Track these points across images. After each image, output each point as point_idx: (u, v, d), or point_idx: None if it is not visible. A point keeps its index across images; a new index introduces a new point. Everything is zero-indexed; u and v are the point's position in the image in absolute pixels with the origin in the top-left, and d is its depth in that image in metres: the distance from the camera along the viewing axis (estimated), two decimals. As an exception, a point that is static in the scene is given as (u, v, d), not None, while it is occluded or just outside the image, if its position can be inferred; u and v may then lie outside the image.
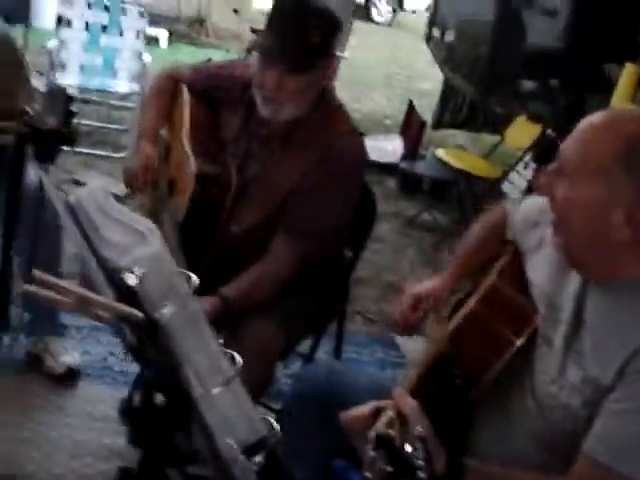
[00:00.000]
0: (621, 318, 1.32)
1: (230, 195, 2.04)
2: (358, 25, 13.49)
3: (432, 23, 6.63)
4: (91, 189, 1.00)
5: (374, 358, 3.26)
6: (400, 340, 3.26)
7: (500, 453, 1.44)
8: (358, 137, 2.09)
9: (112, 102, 5.37)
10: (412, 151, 5.81)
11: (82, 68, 5.16)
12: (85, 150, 4.76)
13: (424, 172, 5.37)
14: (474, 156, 5.42)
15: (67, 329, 2.86)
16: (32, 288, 0.89)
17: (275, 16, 1.96)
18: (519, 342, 1.48)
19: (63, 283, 0.88)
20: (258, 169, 2.05)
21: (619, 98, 3.26)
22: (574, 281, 1.43)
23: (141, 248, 0.86)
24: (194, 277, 0.89)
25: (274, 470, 0.99)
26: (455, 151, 5.39)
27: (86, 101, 5.50)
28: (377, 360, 3.25)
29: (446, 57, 6.19)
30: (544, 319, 1.48)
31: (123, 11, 5.21)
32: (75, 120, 1.82)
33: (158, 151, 2.24)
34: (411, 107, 6.27)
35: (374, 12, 15.14)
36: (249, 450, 0.95)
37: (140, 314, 0.82)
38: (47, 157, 1.70)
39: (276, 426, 0.99)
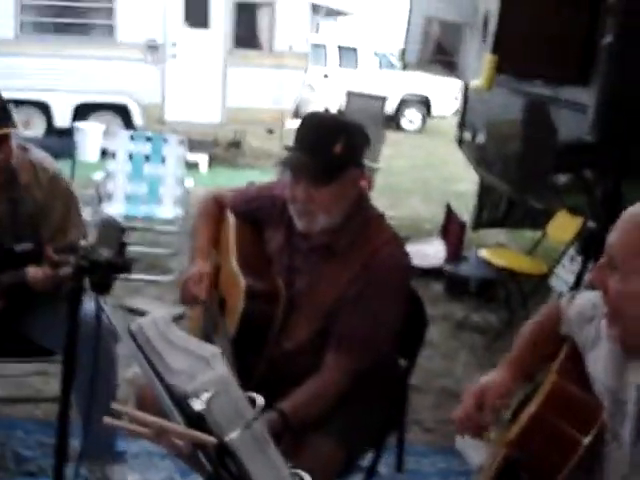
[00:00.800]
0: None
1: (280, 310, 2.06)
2: (390, 135, 13.88)
3: (462, 126, 6.78)
4: (153, 317, 1.03)
5: (436, 468, 3.18)
6: (461, 447, 3.17)
7: None
8: (400, 244, 2.11)
9: (158, 228, 5.53)
10: (455, 253, 5.84)
11: (128, 197, 5.36)
12: (133, 276, 4.85)
13: (469, 273, 5.38)
14: (518, 253, 5.41)
15: (125, 456, 2.85)
16: (113, 421, 0.91)
17: (300, 132, 2.03)
18: (587, 441, 1.44)
19: (140, 414, 0.90)
20: (304, 283, 2.08)
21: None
22: (636, 373, 1.41)
23: (206, 373, 0.88)
24: (260, 399, 0.90)
25: None
26: (499, 250, 5.39)
27: (132, 228, 5.67)
28: (439, 470, 3.17)
29: (479, 158, 6.29)
30: (610, 414, 1.45)
31: (164, 140, 5.44)
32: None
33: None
34: (449, 210, 6.34)
35: (403, 121, 15.57)
36: None
37: (214, 440, 0.83)
38: (103, 288, 1.75)
39: None
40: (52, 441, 2.47)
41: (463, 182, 8.84)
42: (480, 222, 6.66)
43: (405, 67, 6.93)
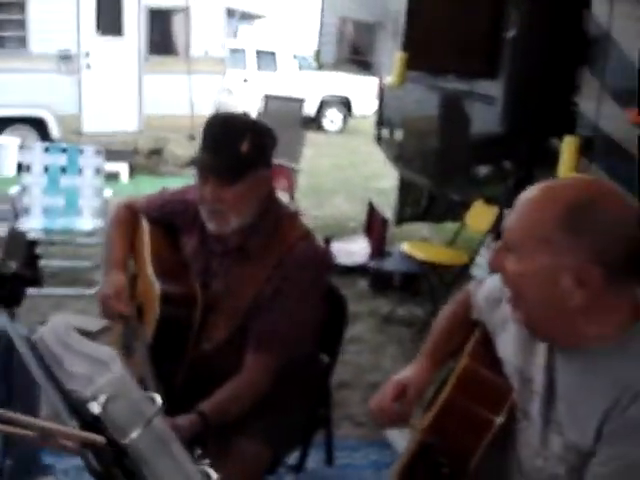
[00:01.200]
0: (589, 382, 1.34)
1: (197, 313, 2.06)
2: (311, 136, 13.89)
3: (380, 124, 6.87)
4: (52, 324, 1.02)
5: (368, 461, 3.22)
6: (392, 438, 3.23)
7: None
8: (313, 240, 2.13)
9: (78, 240, 5.43)
10: (379, 249, 5.91)
11: (45, 211, 5.26)
12: (56, 291, 4.78)
13: (393, 268, 5.46)
14: (439, 246, 5.51)
15: (53, 470, 2.80)
16: (-1, 426, 0.90)
17: (206, 132, 2.03)
18: (499, 420, 1.49)
19: (23, 418, 0.90)
20: (221, 285, 2.08)
21: (564, 170, 3.39)
22: (541, 353, 1.45)
23: (103, 376, 0.88)
24: (158, 398, 0.90)
25: None
26: (420, 244, 5.49)
27: (52, 242, 5.57)
28: (371, 462, 3.21)
29: (398, 155, 6.38)
30: (519, 394, 1.49)
31: (80, 151, 5.35)
32: (42, 262, 1.85)
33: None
34: (371, 207, 6.41)
35: (325, 122, 15.67)
36: None
37: (102, 439, 0.83)
38: (12, 301, 1.71)
39: None
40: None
41: (385, 179, 8.94)
42: (402, 217, 6.75)
43: (321, 67, 6.99)
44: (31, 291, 1.80)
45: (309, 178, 9.78)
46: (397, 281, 5.41)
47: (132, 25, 9.44)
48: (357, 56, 6.68)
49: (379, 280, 5.47)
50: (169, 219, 2.22)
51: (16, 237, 1.80)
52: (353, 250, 6.08)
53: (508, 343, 1.56)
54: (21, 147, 8.72)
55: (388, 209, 6.68)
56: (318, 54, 6.63)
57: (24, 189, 5.24)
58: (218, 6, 9.75)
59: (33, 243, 1.92)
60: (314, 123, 15.03)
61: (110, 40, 9.40)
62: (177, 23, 9.77)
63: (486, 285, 1.73)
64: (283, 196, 6.30)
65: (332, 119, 15.83)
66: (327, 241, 6.30)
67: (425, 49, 4.23)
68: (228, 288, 2.07)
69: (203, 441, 1.80)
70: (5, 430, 0.88)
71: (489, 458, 1.48)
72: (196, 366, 2.06)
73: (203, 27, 9.62)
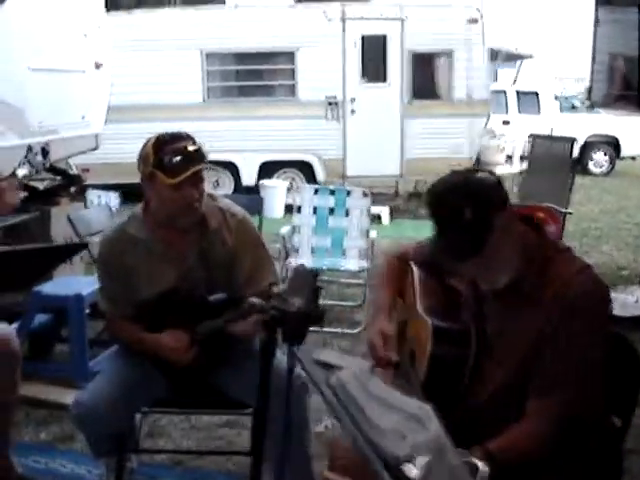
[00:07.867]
0: None
1: (470, 354, 1.96)
2: (576, 179, 13.30)
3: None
4: (354, 370, 0.95)
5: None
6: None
7: None
8: (591, 272, 1.93)
9: (343, 280, 5.54)
10: (658, 300, 5.41)
11: (313, 250, 5.41)
12: (321, 329, 4.88)
13: (675, 322, 4.94)
14: None
15: None
16: None
17: (430, 213, 1.96)
18: None
19: None
20: (495, 329, 1.97)
21: None
22: None
23: (418, 434, 0.77)
24: (482, 466, 0.78)
25: None
26: None
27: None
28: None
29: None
30: None
31: (347, 193, 5.49)
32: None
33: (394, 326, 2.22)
34: (649, 255, 5.92)
35: (590, 164, 14.90)
36: None
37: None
38: (295, 338, 1.69)
39: None
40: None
41: (662, 226, 8.29)
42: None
43: (592, 105, 6.64)
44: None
45: (576, 223, 9.30)
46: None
47: (395, 71, 9.61)
48: (628, 92, 6.27)
49: (659, 334, 4.97)
50: (437, 264, 2.13)
51: (301, 273, 1.79)
52: (628, 301, 5.68)
53: None
54: (289, 189, 9.22)
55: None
56: (590, 92, 6.30)
57: (294, 229, 5.45)
58: (482, 48, 9.61)
59: (316, 275, 1.91)
60: (578, 165, 14.36)
61: (374, 86, 9.64)
62: (440, 67, 9.80)
63: None
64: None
65: (597, 161, 15.01)
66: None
67: None
68: (503, 332, 1.94)
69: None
70: None
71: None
72: (469, 418, 1.92)
73: (466, 70, 9.54)
